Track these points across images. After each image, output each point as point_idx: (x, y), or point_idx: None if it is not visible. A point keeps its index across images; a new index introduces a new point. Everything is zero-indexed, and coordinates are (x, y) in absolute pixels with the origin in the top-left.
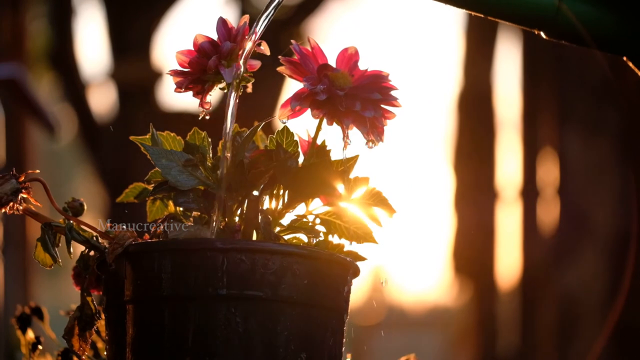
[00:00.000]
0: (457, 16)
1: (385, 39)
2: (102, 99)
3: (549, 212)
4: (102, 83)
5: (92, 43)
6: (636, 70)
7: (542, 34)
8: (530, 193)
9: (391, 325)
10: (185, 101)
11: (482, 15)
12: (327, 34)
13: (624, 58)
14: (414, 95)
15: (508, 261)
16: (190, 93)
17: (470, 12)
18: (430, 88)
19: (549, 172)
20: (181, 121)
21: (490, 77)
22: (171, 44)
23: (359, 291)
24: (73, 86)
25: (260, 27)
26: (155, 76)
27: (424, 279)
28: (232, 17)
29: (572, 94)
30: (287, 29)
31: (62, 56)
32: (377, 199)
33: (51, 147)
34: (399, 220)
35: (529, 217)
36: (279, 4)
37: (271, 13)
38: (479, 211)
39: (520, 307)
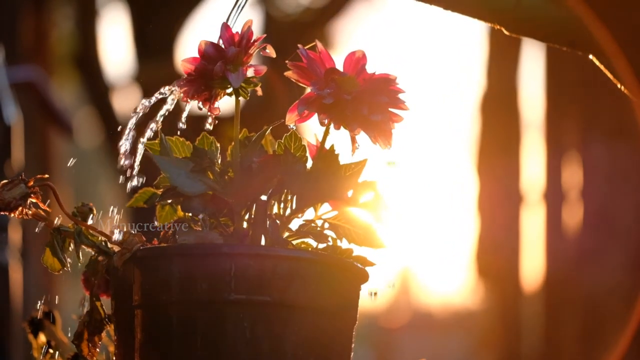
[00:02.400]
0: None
1: (409, 40)
2: (126, 101)
3: (573, 215)
4: (126, 85)
5: (116, 45)
6: (603, 69)
7: (503, 30)
8: (554, 196)
9: (416, 328)
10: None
11: (444, 9)
12: (352, 36)
13: (590, 56)
14: (439, 96)
15: (532, 264)
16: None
17: (434, 6)
18: (455, 90)
19: (573, 175)
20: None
21: (514, 79)
22: (195, 45)
23: (384, 294)
24: (97, 88)
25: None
26: (179, 78)
27: (448, 282)
28: (256, 20)
29: (596, 97)
30: (311, 31)
31: (86, 58)
32: (380, 204)
33: (76, 150)
34: (423, 223)
35: (553, 220)
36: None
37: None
38: (503, 214)
39: (545, 309)
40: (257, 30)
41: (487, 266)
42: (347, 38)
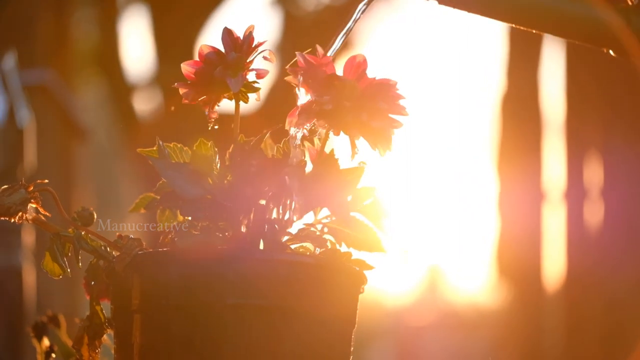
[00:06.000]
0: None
1: (429, 40)
2: (145, 103)
3: (594, 214)
4: (145, 86)
5: (136, 46)
6: None
7: (611, 52)
8: (575, 195)
9: (441, 326)
10: (228, 103)
11: (551, 35)
12: (372, 35)
13: None
14: (459, 96)
15: (553, 263)
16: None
17: (538, 32)
18: (476, 89)
19: (594, 174)
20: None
21: (535, 79)
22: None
23: (410, 293)
24: (116, 90)
25: (338, 43)
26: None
27: (471, 281)
28: (277, 19)
29: (617, 96)
30: (331, 29)
31: (106, 59)
32: (379, 209)
33: (92, 153)
34: (445, 222)
35: (574, 219)
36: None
37: (349, 28)
38: (524, 213)
39: (566, 308)
40: (277, 29)
41: (509, 265)
42: (367, 37)
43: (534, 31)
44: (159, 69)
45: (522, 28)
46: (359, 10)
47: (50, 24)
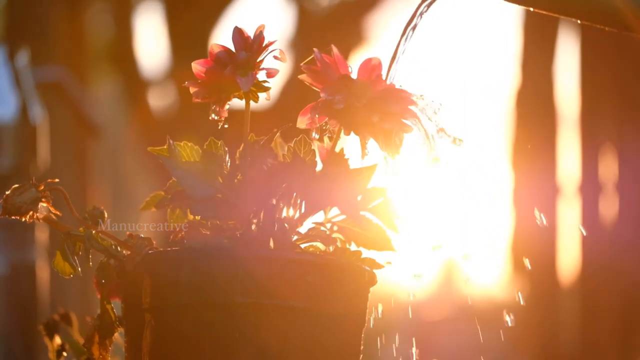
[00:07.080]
0: (516, 10)
1: (443, 34)
2: (162, 98)
3: (609, 208)
4: (161, 82)
5: (150, 43)
6: None
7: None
8: (590, 189)
9: (454, 320)
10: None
11: (599, 26)
12: (387, 30)
13: None
14: (474, 90)
15: (568, 257)
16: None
17: (556, 15)
18: (490, 83)
19: (609, 168)
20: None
21: (550, 73)
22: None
23: (426, 287)
24: (131, 86)
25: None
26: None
27: (484, 275)
28: (291, 15)
29: (632, 89)
30: (346, 25)
31: (120, 56)
32: (389, 209)
33: (106, 150)
34: (459, 217)
35: (590, 213)
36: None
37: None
38: (539, 207)
39: (581, 303)
40: (291, 25)
41: (523, 259)
42: (381, 32)
43: (556, 15)
44: (174, 66)
45: (540, 11)
46: (420, 13)
47: (63, 20)
